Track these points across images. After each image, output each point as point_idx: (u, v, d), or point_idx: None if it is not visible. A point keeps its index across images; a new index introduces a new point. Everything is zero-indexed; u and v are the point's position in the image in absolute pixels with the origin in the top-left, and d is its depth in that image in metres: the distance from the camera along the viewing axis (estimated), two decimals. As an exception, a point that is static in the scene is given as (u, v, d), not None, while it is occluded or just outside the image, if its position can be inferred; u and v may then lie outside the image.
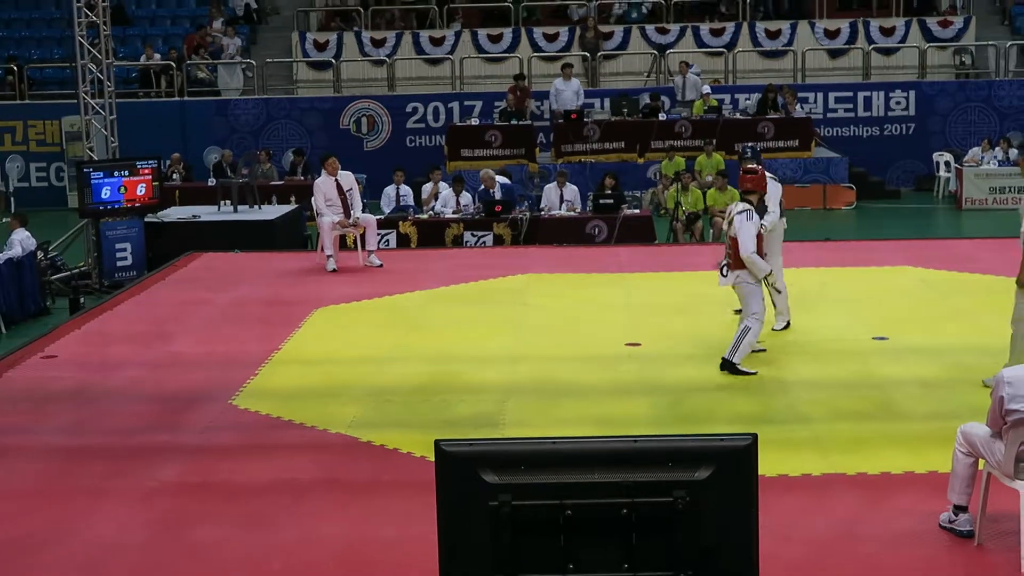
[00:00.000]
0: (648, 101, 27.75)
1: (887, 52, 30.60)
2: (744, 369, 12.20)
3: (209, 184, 24.52)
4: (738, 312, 14.07)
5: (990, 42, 30.49)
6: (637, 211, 22.02)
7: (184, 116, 29.30)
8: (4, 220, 20.30)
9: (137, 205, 19.83)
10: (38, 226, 19.14)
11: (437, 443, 5.00)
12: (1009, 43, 30.21)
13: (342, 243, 19.11)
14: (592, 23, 30.90)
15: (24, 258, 17.36)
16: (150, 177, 19.97)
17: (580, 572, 4.91)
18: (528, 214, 21.14)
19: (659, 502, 4.87)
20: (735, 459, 4.95)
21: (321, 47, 31.25)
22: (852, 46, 30.56)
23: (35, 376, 12.99)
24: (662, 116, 27.06)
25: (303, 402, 11.75)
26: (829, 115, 29.03)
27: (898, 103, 28.96)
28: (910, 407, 11.29)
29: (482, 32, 31.27)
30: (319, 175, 18.54)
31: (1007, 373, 7.91)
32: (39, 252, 18.22)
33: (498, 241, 20.82)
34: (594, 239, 20.96)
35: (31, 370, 13.24)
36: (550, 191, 22.20)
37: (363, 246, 18.25)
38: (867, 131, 28.97)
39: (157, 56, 30.65)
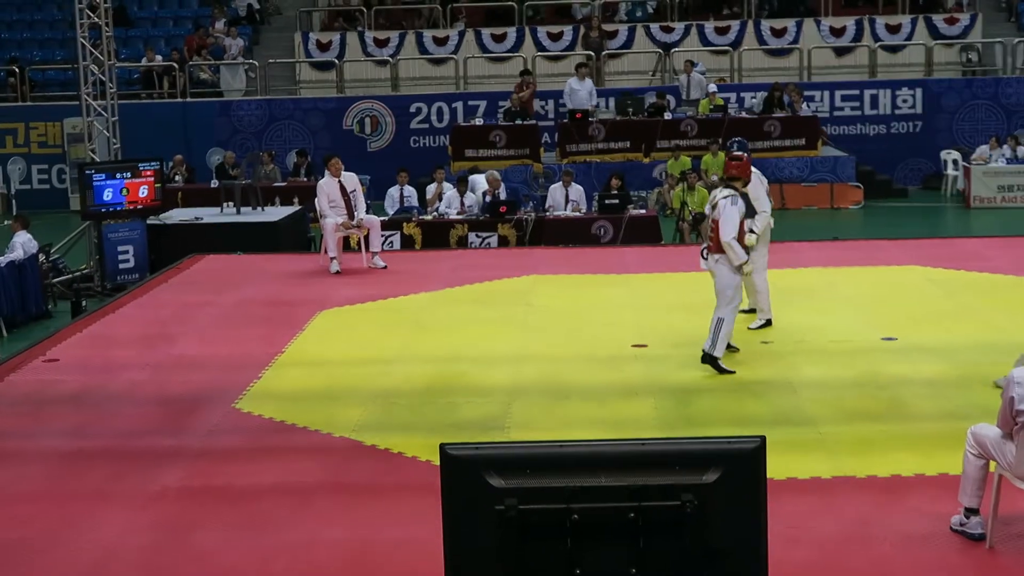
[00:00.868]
0: (653, 100, 27.73)
1: (893, 49, 30.57)
2: (723, 367, 12.20)
3: (212, 186, 24.52)
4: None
5: (997, 39, 30.45)
6: (643, 211, 21.99)
7: (186, 117, 29.31)
8: (6, 223, 20.31)
9: (139, 207, 19.83)
10: (40, 228, 19.15)
11: (442, 446, 4.97)
12: (1016, 40, 30.17)
13: (346, 245, 19.10)
14: (596, 22, 30.89)
15: (26, 261, 17.36)
16: (152, 179, 19.97)
17: (587, 577, 4.89)
18: (533, 214, 21.13)
19: (667, 506, 4.84)
20: (743, 462, 4.92)
21: (324, 47, 31.26)
22: (858, 44, 30.54)
23: (37, 380, 12.98)
24: (667, 115, 27.04)
25: (307, 405, 11.73)
26: (835, 113, 29.01)
27: (905, 101, 28.93)
28: (920, 407, 11.26)
29: (486, 31, 31.28)
30: (322, 176, 18.53)
31: (1017, 373, 7.86)
32: (41, 255, 18.21)
33: (503, 242, 20.80)
34: (600, 240, 20.94)
35: (33, 373, 13.23)
36: (555, 191, 22.18)
37: (367, 247, 18.23)
38: (874, 129, 28.95)
39: (159, 57, 30.67)
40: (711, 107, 27.28)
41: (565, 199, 21.88)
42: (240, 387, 12.33)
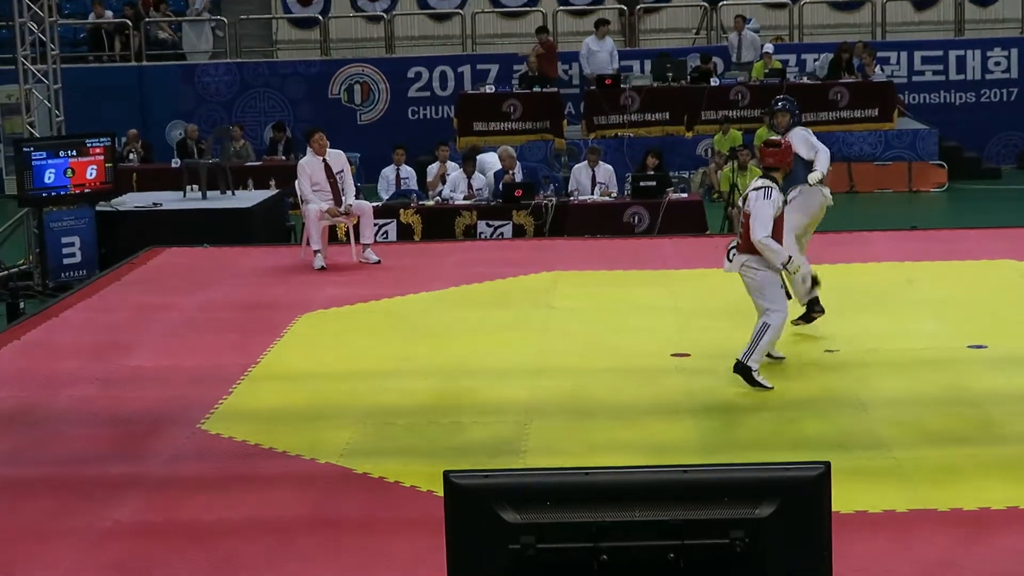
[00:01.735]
0: (697, 63, 27.74)
1: (984, 2, 30.56)
2: (761, 380, 12.19)
3: (173, 165, 24.58)
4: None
5: (1108, -10, 30.43)
6: (685, 195, 22.02)
7: (142, 84, 29.40)
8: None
9: (87, 191, 19.89)
10: (-31, 217, 19.23)
11: (446, 475, 5.00)
12: None
13: (332, 235, 19.13)
14: (629, -30, 30.94)
15: (-47, 255, 17.43)
16: (102, 158, 20.02)
17: (618, 628, 4.93)
18: (554, 199, 21.16)
19: (713, 544, 4.87)
20: (803, 492, 4.94)
21: (305, 1, 31.36)
22: (942, -5, 30.55)
23: (-33, 396, 13.04)
24: (714, 81, 27.07)
25: (286, 426, 11.77)
26: (915, 79, 29.02)
27: (997, 64, 28.92)
28: (1013, 428, 11.26)
29: (498, -18, 31.36)
30: (304, 154, 18.57)
31: None
32: (-30, 248, 18.30)
33: (518, 232, 20.84)
34: (633, 229, 20.97)
35: (-38, 389, 13.29)
36: (580, 172, 22.21)
37: (357, 239, 18.28)
38: (960, 98, 28.95)
39: (109, 13, 30.75)
40: (766, 71, 27.29)
41: (592, 181, 21.91)
42: (207, 405, 12.36)
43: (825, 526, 4.97)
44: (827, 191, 13.98)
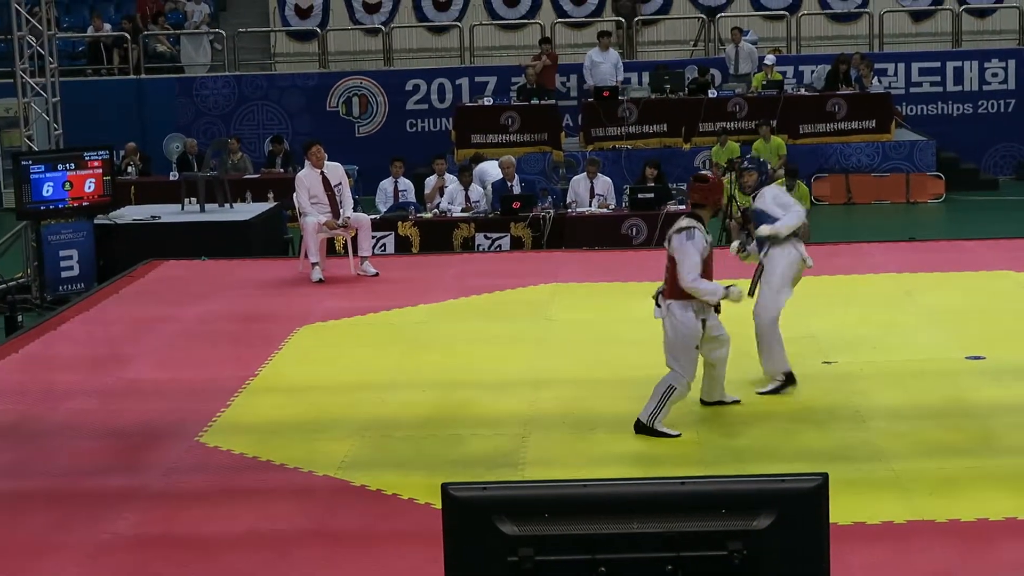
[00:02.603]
0: (695, 75, 27.76)
1: (982, 13, 30.58)
2: (665, 430, 11.55)
3: (171, 178, 24.59)
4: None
5: (1105, 1, 30.48)
6: (683, 207, 21.99)
7: (141, 98, 29.41)
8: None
9: (85, 204, 19.89)
10: (-33, 230, 19.24)
11: (445, 487, 5.00)
12: None
13: (330, 248, 19.13)
14: (627, -18, 30.97)
15: (-49, 268, 17.43)
16: (100, 171, 20.03)
17: (617, 641, 4.92)
18: (552, 211, 21.16)
19: (711, 556, 4.87)
20: (801, 504, 4.94)
21: (304, 14, 31.36)
22: (939, 7, 30.56)
23: (-35, 409, 13.04)
24: (712, 93, 27.08)
25: (284, 438, 11.77)
26: (912, 90, 29.03)
27: (995, 75, 28.94)
28: (1012, 440, 11.26)
29: (496, -6, 31.38)
30: (302, 167, 18.58)
31: None
32: (-31, 261, 18.29)
33: (516, 244, 20.84)
34: (631, 241, 20.97)
35: (-40, 402, 13.29)
36: (578, 184, 22.20)
37: (355, 251, 18.28)
38: (958, 109, 28.96)
39: (108, 26, 30.77)
40: (764, 83, 27.28)
41: (590, 193, 21.91)
42: (205, 417, 12.37)
43: (823, 538, 4.97)
44: (803, 250, 12.88)
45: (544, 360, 14.06)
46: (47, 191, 19.54)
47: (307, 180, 18.03)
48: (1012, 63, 28.94)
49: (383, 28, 30.82)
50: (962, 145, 28.24)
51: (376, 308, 16.42)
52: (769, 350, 12.71)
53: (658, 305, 11.79)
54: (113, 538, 9.71)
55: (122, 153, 25.97)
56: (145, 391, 13.37)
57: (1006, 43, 29.99)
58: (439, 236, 21.01)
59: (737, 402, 12.32)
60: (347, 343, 15.01)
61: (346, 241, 18.55)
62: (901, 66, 29.09)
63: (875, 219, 25.28)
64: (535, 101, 26.90)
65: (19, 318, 17.81)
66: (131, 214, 21.22)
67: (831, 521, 5.02)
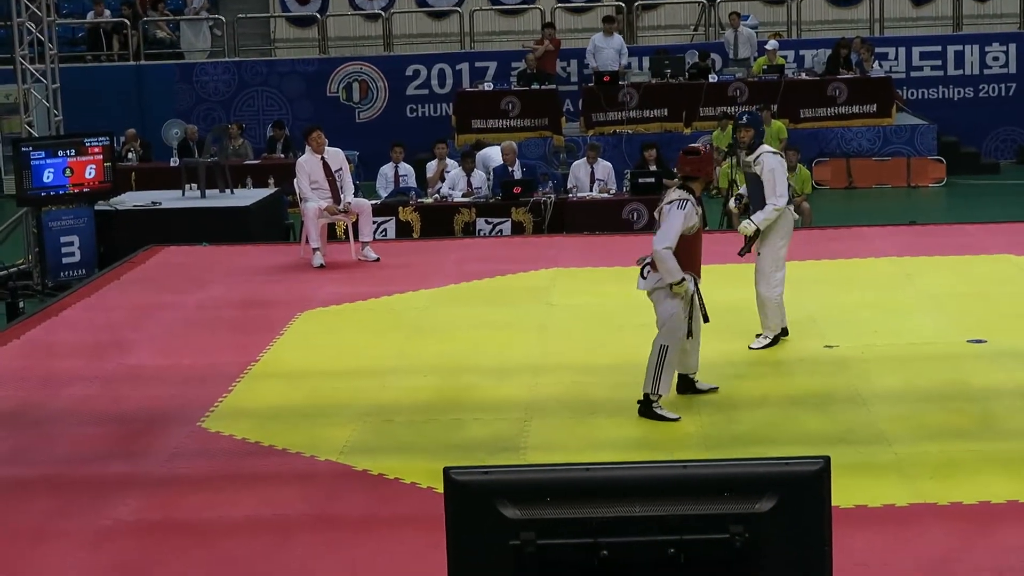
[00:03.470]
0: (695, 60, 27.73)
1: (982, -3, 30.54)
2: (665, 413, 11.54)
3: (171, 164, 24.56)
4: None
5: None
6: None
7: (141, 84, 29.38)
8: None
9: (86, 190, 19.88)
10: (-32, 217, 19.23)
11: (446, 471, 5.00)
12: None
13: (331, 233, 19.13)
14: (627, -34, 30.93)
15: (-48, 255, 17.43)
16: (101, 157, 20.02)
17: (619, 624, 4.92)
18: (553, 196, 21.15)
19: (713, 539, 4.87)
20: (803, 487, 4.94)
21: (303, 0, 31.31)
22: (940, -10, 30.52)
23: (-34, 396, 13.05)
24: (712, 77, 27.05)
25: (286, 424, 11.77)
26: (913, 74, 29.00)
27: (996, 59, 28.90)
28: (1014, 423, 11.26)
29: (496, -21, 31.35)
30: (302, 152, 18.57)
31: None
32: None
33: (517, 229, 20.83)
34: (632, 225, 20.96)
35: (-39, 388, 13.30)
36: (579, 169, 22.19)
37: (356, 237, 18.27)
38: (959, 93, 28.93)
39: (108, 12, 30.74)
40: (765, 68, 27.24)
41: (591, 178, 21.90)
42: (207, 403, 12.37)
43: (825, 521, 4.97)
44: (772, 210, 13.15)
45: (545, 345, 14.07)
46: (48, 177, 19.54)
47: (308, 166, 18.02)
48: (1013, 47, 28.90)
49: (383, 13, 30.79)
50: (963, 129, 28.22)
51: (377, 293, 16.42)
52: (774, 312, 13.30)
53: (643, 276, 11.71)
54: (115, 524, 9.72)
55: (122, 139, 25.96)
56: (146, 377, 13.37)
57: (1007, 27, 29.95)
58: (440, 221, 21.00)
59: (715, 389, 12.22)
60: (348, 328, 15.01)
61: (347, 226, 18.55)
62: (902, 50, 29.05)
63: (876, 203, 25.27)
64: (535, 86, 26.88)
65: (20, 304, 17.81)
66: (132, 200, 21.21)
67: (833, 504, 5.02)
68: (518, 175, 21.75)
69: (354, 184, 18.70)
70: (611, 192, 21.65)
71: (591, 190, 21.70)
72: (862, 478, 9.90)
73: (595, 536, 4.88)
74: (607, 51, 27.71)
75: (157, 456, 11.10)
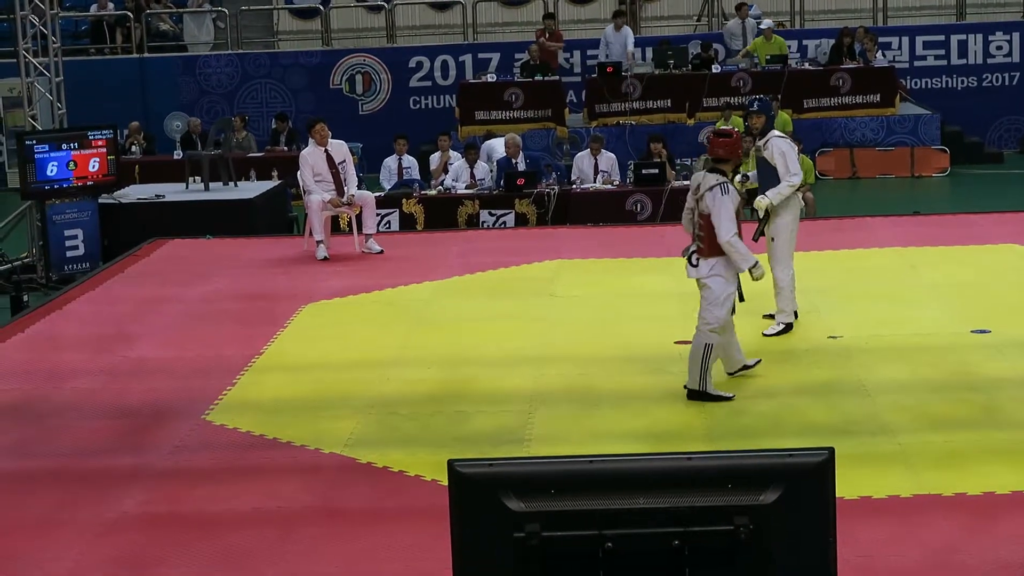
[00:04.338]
0: (698, 51, 27.70)
1: (986, -14, 30.51)
2: (719, 393, 11.71)
3: (175, 157, 24.59)
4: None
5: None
6: (687, 182, 21.97)
7: (144, 76, 29.39)
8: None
9: (90, 184, 19.88)
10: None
11: (451, 463, 5.00)
12: None
13: (334, 226, 19.12)
14: (630, -43, 30.92)
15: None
16: (104, 150, 20.02)
17: (623, 616, 4.92)
18: (556, 188, 21.15)
19: (717, 531, 4.86)
20: (807, 478, 4.94)
21: (306, -9, 31.31)
22: (944, -20, 30.49)
23: (-29, 389, 13.05)
24: (716, 68, 27.03)
25: (290, 416, 11.77)
26: (916, 64, 28.98)
27: (999, 48, 28.88)
28: (1018, 413, 11.26)
29: (499, -30, 31.33)
30: (306, 145, 18.56)
31: None
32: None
33: (521, 221, 20.83)
34: (636, 217, 20.96)
35: (-34, 382, 13.30)
36: (582, 160, 22.19)
37: (359, 229, 18.27)
38: (962, 82, 28.91)
39: (111, 5, 30.73)
40: (768, 58, 27.21)
41: (594, 169, 21.90)
42: (211, 396, 12.38)
43: (829, 512, 4.97)
44: (786, 187, 13.39)
45: (549, 336, 14.07)
46: (51, 171, 19.54)
47: (311, 158, 18.02)
48: (1016, 36, 28.87)
49: (386, 5, 30.77)
50: (967, 119, 28.19)
51: (381, 286, 16.42)
52: (789, 296, 13.48)
53: (693, 265, 11.69)
54: (119, 517, 9.72)
55: (126, 132, 25.98)
56: (151, 370, 13.38)
57: (1011, 16, 29.92)
58: (444, 213, 21.01)
59: (759, 362, 12.43)
60: (352, 321, 15.01)
61: (351, 219, 18.55)
62: (905, 40, 29.03)
63: (880, 193, 25.26)
64: (539, 77, 26.87)
65: (25, 298, 17.83)
66: (135, 193, 21.23)
67: (837, 495, 5.01)
68: (522, 167, 21.74)
69: (358, 176, 18.69)
70: (615, 183, 21.64)
71: (595, 181, 21.69)
72: (866, 469, 9.91)
73: (599, 528, 4.87)
74: (615, 46, 27.72)
75: (161, 449, 11.11)
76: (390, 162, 22.76)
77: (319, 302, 15.75)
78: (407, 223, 20.99)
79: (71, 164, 19.67)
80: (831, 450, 4.99)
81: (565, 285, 16.22)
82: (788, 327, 13.64)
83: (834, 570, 4.99)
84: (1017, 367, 12.39)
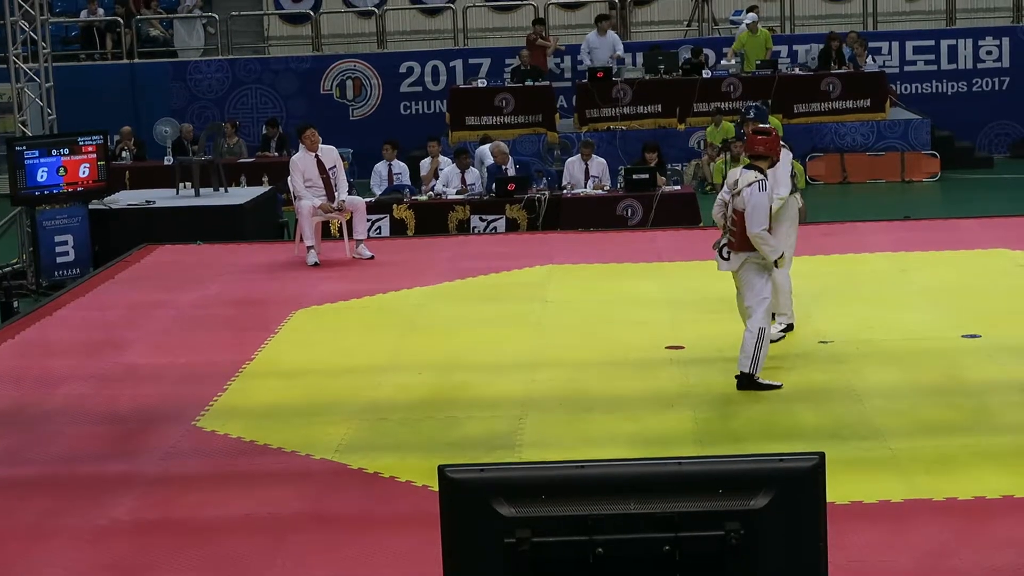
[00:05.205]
0: (688, 56, 27.72)
1: (975, -9, 30.55)
2: (768, 382, 11.99)
3: (165, 163, 24.58)
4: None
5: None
6: (678, 188, 22.03)
7: (135, 82, 29.36)
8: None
9: (80, 189, 19.87)
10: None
11: (441, 469, 5.00)
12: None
13: (325, 231, 19.12)
14: (621, -37, 30.93)
15: (-54, 255, 17.42)
16: (95, 156, 20.00)
17: (614, 621, 4.92)
18: (547, 193, 21.15)
19: (708, 536, 4.87)
20: (798, 483, 4.94)
21: (297, -3, 31.32)
22: (933, -16, 30.52)
23: (-39, 395, 13.03)
24: (706, 73, 27.04)
25: (281, 422, 11.77)
26: (906, 68, 29.00)
27: (989, 53, 28.91)
28: (1009, 418, 11.27)
29: (489, -25, 31.33)
30: (296, 150, 18.56)
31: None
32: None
33: (512, 226, 20.84)
34: (627, 222, 20.97)
35: (-44, 388, 13.28)
36: (573, 165, 22.20)
37: (350, 234, 18.27)
38: (952, 87, 28.93)
39: (101, 11, 30.71)
40: (757, 62, 27.21)
41: (585, 174, 21.91)
42: (202, 402, 12.36)
43: (820, 517, 4.97)
44: (781, 198, 13.34)
45: (540, 341, 14.07)
46: (41, 176, 19.53)
47: (302, 163, 18.02)
48: (1006, 41, 28.90)
49: (376, 10, 30.77)
50: (957, 123, 28.21)
51: (372, 291, 16.42)
52: (788, 296, 13.58)
53: (724, 258, 12.09)
54: (111, 523, 9.71)
55: (116, 138, 25.95)
56: (141, 376, 13.37)
57: (1000, 21, 29.95)
58: (434, 219, 21.01)
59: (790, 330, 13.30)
60: (343, 326, 15.01)
61: (341, 224, 18.55)
62: (895, 44, 29.06)
63: (870, 198, 25.26)
64: (529, 83, 26.88)
65: (15, 304, 17.82)
66: (126, 199, 21.22)
67: (828, 500, 5.02)
68: (512, 172, 21.76)
69: (348, 182, 18.69)
70: (605, 188, 21.66)
71: (585, 187, 21.71)
72: (857, 474, 9.91)
73: (590, 534, 4.88)
74: (600, 51, 27.72)
75: (152, 455, 11.09)
76: (381, 167, 22.77)
77: (310, 308, 15.75)
78: (398, 228, 20.99)
79: (61, 170, 19.66)
80: (822, 455, 4.99)
81: (556, 290, 16.22)
82: (789, 327, 13.71)
83: (824, 575, 5.00)
84: (1007, 371, 12.41)
